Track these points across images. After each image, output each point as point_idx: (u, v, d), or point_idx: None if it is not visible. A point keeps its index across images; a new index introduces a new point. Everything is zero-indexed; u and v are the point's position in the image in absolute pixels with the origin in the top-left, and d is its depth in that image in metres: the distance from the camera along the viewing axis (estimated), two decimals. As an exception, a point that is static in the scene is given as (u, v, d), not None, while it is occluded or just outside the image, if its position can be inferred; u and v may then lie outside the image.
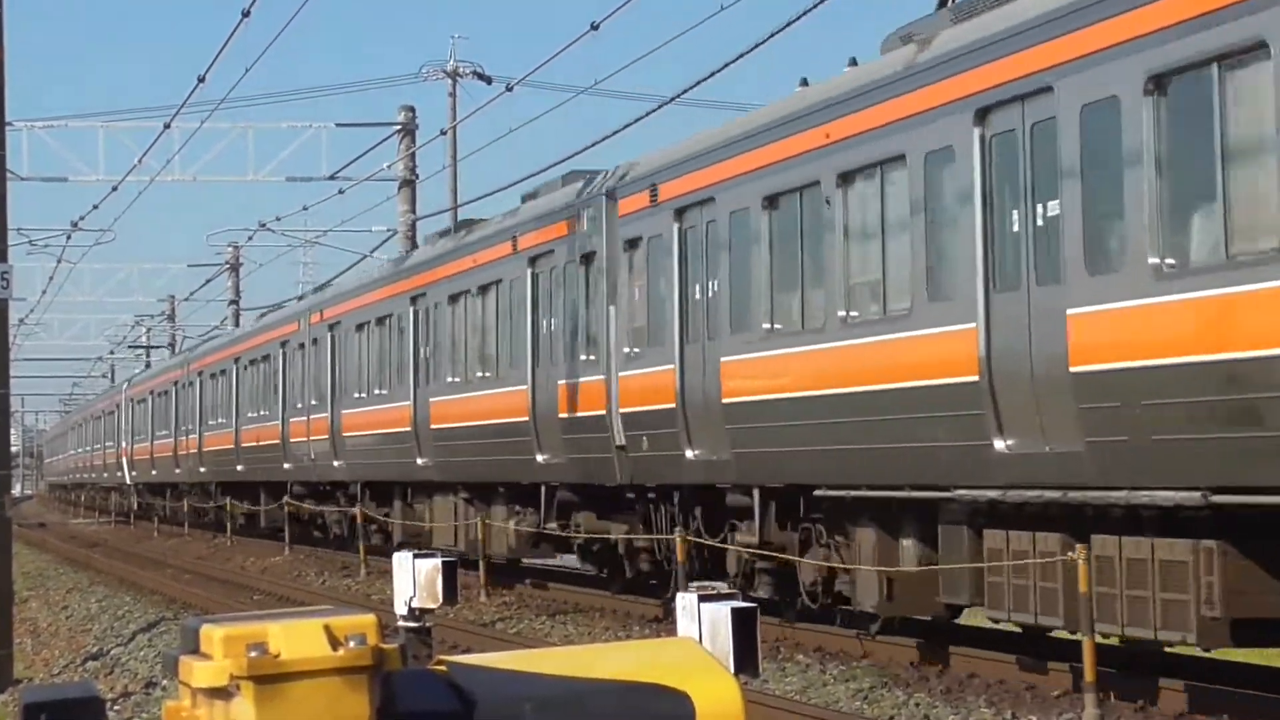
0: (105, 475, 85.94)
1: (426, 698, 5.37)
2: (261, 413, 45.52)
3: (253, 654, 5.13)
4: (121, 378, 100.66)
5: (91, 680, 20.49)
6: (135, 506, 74.77)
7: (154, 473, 67.04)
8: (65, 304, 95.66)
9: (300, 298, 48.27)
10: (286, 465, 42.49)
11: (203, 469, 55.34)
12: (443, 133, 45.15)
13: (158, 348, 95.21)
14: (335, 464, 37.82)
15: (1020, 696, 16.41)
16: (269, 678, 5.14)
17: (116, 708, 18.57)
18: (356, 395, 36.25)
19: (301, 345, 40.77)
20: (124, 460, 75.96)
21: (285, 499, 43.21)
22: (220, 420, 52.09)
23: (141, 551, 51.62)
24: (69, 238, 54.95)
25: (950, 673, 17.89)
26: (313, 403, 39.53)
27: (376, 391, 34.83)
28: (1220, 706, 14.89)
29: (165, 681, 19.58)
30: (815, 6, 20.16)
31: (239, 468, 48.94)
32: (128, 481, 75.65)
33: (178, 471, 60.69)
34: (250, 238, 64.06)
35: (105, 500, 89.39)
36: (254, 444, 46.47)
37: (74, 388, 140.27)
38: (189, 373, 58.75)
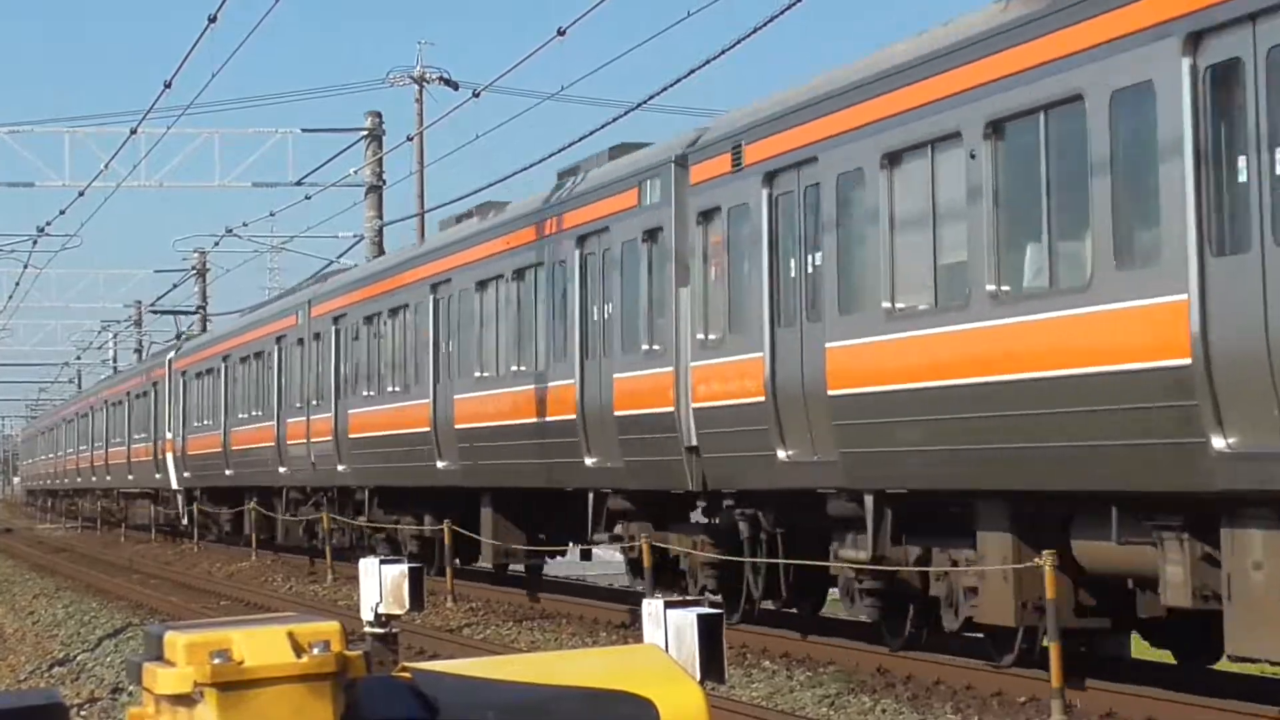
0: (130, 478, 64.88)
1: (390, 704, 5.38)
2: (517, 369, 27.06)
3: (216, 661, 5.12)
4: (142, 358, 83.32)
5: (55, 687, 20.45)
6: (184, 519, 55.01)
7: (229, 473, 46.70)
8: (31, 310, 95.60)
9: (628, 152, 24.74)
10: (590, 460, 24.28)
11: (342, 467, 35.54)
12: (410, 138, 45.15)
13: (186, 313, 73.56)
14: (785, 455, 19.42)
15: (987, 702, 16.44)
16: (232, 685, 5.14)
17: (83, 713, 18.53)
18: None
19: (648, 235, 22.61)
20: (168, 457, 55.35)
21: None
22: (392, 389, 32.67)
23: (108, 557, 51.48)
24: (35, 243, 54.70)
25: (916, 679, 17.91)
26: (711, 334, 21.16)
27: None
28: (1185, 713, 14.93)
29: (132, 687, 19.54)
30: (782, 13, 20.19)
31: (440, 464, 30.01)
32: (174, 486, 55.32)
33: (283, 471, 40.58)
34: (217, 243, 63.70)
35: (118, 511, 70.74)
36: (490, 425, 27.87)
37: (40, 393, 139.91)
38: (307, 323, 38.66)
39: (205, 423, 49.87)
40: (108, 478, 71.80)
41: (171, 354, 57.43)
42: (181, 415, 53.62)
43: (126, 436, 65.65)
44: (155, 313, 77.27)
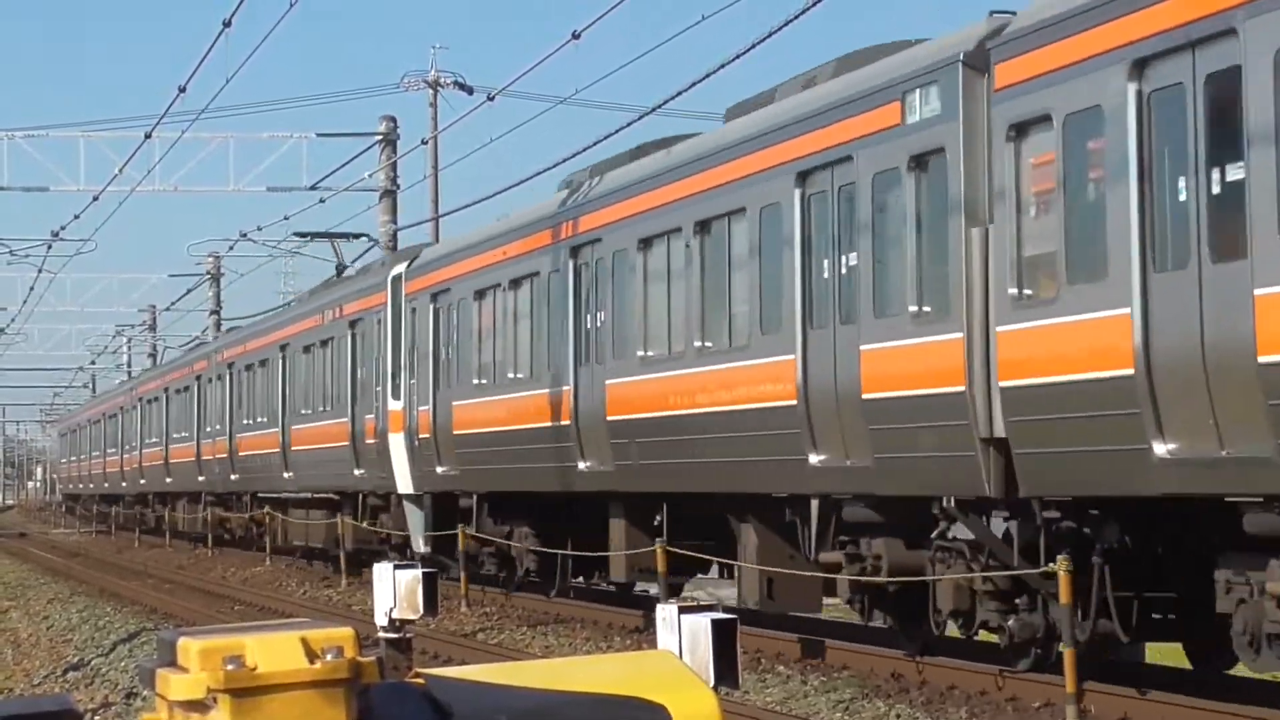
0: (288, 476, 41.98)
1: (403, 710, 5.37)
2: None
3: (229, 667, 5.12)
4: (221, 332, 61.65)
5: (69, 692, 20.46)
6: (423, 546, 32.28)
7: (586, 467, 24.67)
8: (46, 314, 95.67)
9: None
10: None
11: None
12: (424, 142, 45.15)
13: (351, 236, 42.64)
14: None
15: (1001, 708, 16.42)
16: (245, 690, 5.13)
17: (96, 719, 18.53)
18: None
19: None
20: (394, 442, 32.91)
21: None
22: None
23: (122, 562, 51.50)
24: (50, 247, 54.69)
25: (931, 684, 17.89)
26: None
27: None
28: (1198, 719, 14.90)
29: (146, 692, 19.53)
30: (798, 16, 20.18)
31: None
32: (402, 488, 32.71)
33: (851, 461, 18.16)
34: (231, 248, 63.58)
35: (256, 526, 47.11)
36: None
37: (55, 397, 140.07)
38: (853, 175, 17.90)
39: (515, 375, 27.50)
40: (233, 477, 48.74)
41: (400, 267, 33.74)
42: (432, 371, 31.33)
43: (279, 414, 43.00)
44: (300, 235, 49.09)
